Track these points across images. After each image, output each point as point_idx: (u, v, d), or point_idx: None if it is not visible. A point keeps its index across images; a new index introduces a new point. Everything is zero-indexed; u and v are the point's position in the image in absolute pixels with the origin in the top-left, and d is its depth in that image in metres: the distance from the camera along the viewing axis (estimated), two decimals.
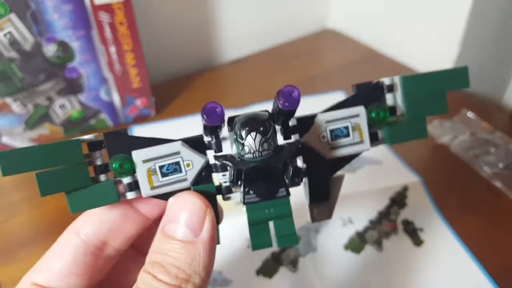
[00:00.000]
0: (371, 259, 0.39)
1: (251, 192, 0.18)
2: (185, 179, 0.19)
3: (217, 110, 0.18)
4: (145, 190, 0.18)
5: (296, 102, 0.19)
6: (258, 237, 0.19)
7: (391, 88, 0.21)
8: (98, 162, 0.18)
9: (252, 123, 0.18)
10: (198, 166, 0.19)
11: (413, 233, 0.41)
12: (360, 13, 0.75)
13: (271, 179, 0.18)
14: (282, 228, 0.19)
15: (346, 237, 0.40)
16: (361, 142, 0.20)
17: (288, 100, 0.19)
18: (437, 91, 0.20)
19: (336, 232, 0.41)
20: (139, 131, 0.56)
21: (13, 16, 0.45)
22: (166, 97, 0.62)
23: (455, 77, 0.21)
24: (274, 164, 0.18)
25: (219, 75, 0.69)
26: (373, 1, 0.72)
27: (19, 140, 0.53)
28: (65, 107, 0.53)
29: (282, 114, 0.19)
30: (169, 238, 0.18)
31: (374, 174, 0.47)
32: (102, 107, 0.55)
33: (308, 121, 0.20)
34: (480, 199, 0.45)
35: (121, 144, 0.18)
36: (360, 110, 0.20)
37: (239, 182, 0.18)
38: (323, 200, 0.21)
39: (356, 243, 0.40)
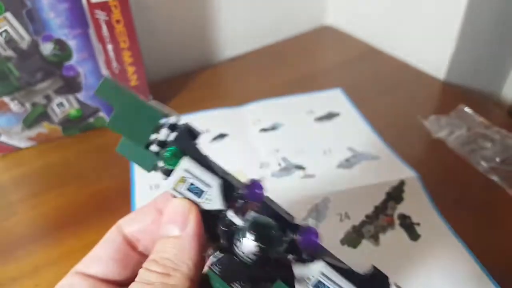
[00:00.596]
0: (368, 254, 0.39)
1: (218, 264, 0.20)
2: (198, 204, 0.21)
3: (259, 184, 0.20)
4: (168, 184, 0.21)
5: (313, 248, 0.20)
6: None
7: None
8: (162, 137, 0.21)
9: (261, 230, 0.19)
10: (214, 206, 0.21)
11: (410, 228, 0.41)
12: (357, 10, 0.75)
13: (237, 272, 0.19)
14: None
15: (343, 232, 0.41)
16: None
17: (307, 245, 0.20)
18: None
19: (333, 227, 0.41)
20: None
21: (8, 15, 0.45)
22: (164, 95, 0.62)
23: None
24: (247, 271, 0.19)
25: (217, 73, 0.69)
26: None
27: (17, 139, 0.53)
28: (63, 106, 0.53)
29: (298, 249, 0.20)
30: (161, 238, 0.21)
31: (371, 170, 0.47)
32: (100, 105, 0.55)
33: (310, 260, 0.20)
34: (477, 194, 0.45)
35: (187, 143, 0.21)
36: None
37: (216, 250, 0.20)
38: None
39: (353, 238, 0.40)
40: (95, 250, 0.24)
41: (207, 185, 0.20)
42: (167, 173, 0.21)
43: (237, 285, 0.19)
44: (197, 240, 0.20)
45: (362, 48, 0.73)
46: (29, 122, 0.52)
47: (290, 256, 0.20)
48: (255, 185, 0.20)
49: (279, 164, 0.49)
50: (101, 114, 0.56)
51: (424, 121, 0.54)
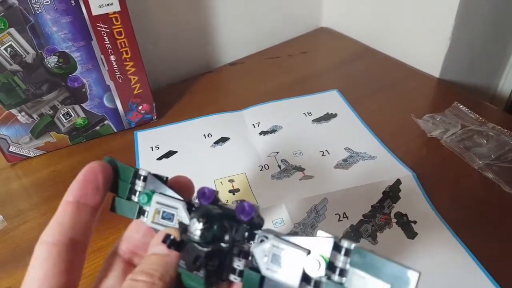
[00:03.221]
0: None
1: (181, 260, 0.23)
2: (173, 227, 0.25)
3: (206, 191, 0.24)
4: (148, 220, 0.25)
5: (249, 215, 0.22)
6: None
7: (347, 252, 0.20)
8: (138, 188, 0.25)
9: (201, 214, 0.22)
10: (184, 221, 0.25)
11: (407, 226, 0.42)
12: (353, 11, 0.76)
13: (197, 259, 0.22)
14: None
15: (341, 232, 0.42)
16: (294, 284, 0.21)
17: (247, 214, 0.22)
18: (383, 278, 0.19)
19: (332, 226, 0.42)
20: (142, 136, 0.58)
21: (12, 31, 0.47)
22: (166, 101, 0.64)
23: (402, 277, 0.19)
24: (204, 250, 0.22)
25: (217, 78, 0.71)
26: None
27: (26, 148, 0.55)
28: (69, 115, 0.55)
29: (243, 223, 0.23)
30: (150, 254, 0.23)
31: (367, 169, 0.48)
32: (105, 113, 0.57)
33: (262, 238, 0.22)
34: (472, 191, 0.46)
35: (157, 185, 0.25)
36: (302, 254, 0.21)
37: (172, 247, 0.23)
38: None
39: (351, 237, 0.41)
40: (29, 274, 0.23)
41: (174, 207, 0.24)
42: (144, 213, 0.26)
43: (201, 271, 0.22)
44: (178, 258, 0.23)
45: (357, 48, 0.74)
46: (37, 132, 0.54)
47: (246, 245, 0.23)
48: (203, 195, 0.24)
49: (279, 166, 0.50)
50: (107, 122, 0.57)
51: (419, 120, 0.55)
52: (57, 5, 0.47)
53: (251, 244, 0.23)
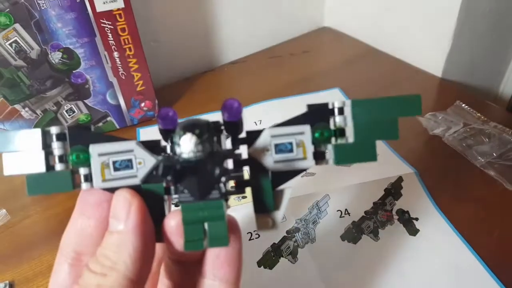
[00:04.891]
0: (368, 249, 0.40)
1: (185, 191, 0.19)
2: (135, 176, 0.20)
3: (170, 114, 0.19)
4: (97, 181, 0.20)
5: (236, 114, 0.20)
6: (191, 237, 0.19)
7: (341, 111, 0.21)
8: (58, 152, 0.20)
9: (190, 125, 0.19)
10: (149, 165, 0.20)
11: (409, 223, 0.43)
12: (355, 11, 0.77)
13: (204, 180, 0.19)
14: (213, 230, 0.19)
15: (343, 228, 0.42)
16: (304, 158, 0.21)
17: (229, 112, 0.20)
18: (387, 117, 0.21)
19: (334, 223, 0.42)
20: (145, 133, 0.58)
21: (17, 26, 0.47)
22: (168, 99, 0.64)
23: (407, 104, 0.21)
24: (207, 165, 0.19)
25: (219, 76, 0.71)
26: None
27: None
28: (72, 112, 0.55)
29: (230, 126, 0.21)
30: (107, 232, 0.20)
31: (369, 166, 0.48)
32: (108, 110, 0.57)
33: (256, 135, 0.21)
34: (474, 188, 0.46)
35: (83, 138, 0.20)
36: (306, 128, 0.21)
37: (169, 177, 0.19)
38: (265, 212, 0.21)
39: (353, 234, 0.42)
40: (52, 279, 0.22)
41: (129, 151, 0.20)
42: (90, 176, 0.20)
43: (214, 191, 0.19)
44: (138, 233, 0.19)
45: (359, 48, 0.75)
46: (40, 128, 0.54)
47: (237, 150, 0.21)
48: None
49: None
50: (109, 119, 0.58)
51: (421, 118, 0.55)
52: (61, 2, 0.47)
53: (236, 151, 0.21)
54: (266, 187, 0.21)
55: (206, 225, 0.19)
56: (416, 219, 0.43)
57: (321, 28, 0.83)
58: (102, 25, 0.50)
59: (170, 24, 0.67)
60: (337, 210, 0.44)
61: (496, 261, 0.39)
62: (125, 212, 0.19)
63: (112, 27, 0.51)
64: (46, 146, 0.20)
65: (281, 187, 0.21)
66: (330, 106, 0.21)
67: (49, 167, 0.20)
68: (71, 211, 0.21)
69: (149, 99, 0.59)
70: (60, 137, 0.20)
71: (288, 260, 0.40)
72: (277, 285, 0.38)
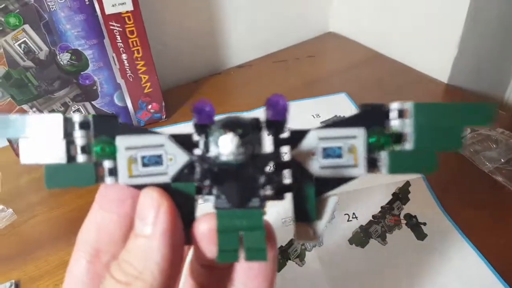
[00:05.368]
0: (376, 253, 0.40)
1: (222, 197, 0.18)
2: (165, 173, 0.18)
3: (206, 108, 0.18)
4: (123, 177, 0.18)
5: (282, 113, 0.18)
6: (225, 247, 0.17)
7: (400, 114, 0.19)
8: (81, 142, 0.18)
9: (231, 124, 0.17)
10: (181, 162, 0.18)
11: (416, 227, 0.42)
12: (361, 16, 0.77)
13: (244, 186, 0.17)
14: (251, 242, 0.17)
15: (350, 232, 0.42)
16: (355, 166, 0.19)
17: (274, 110, 0.18)
18: (452, 124, 0.19)
19: (341, 227, 0.42)
20: None
21: (27, 27, 0.47)
22: (176, 101, 0.64)
23: (478, 113, 0.19)
24: (249, 170, 0.17)
25: (226, 80, 0.71)
26: (374, 4, 0.73)
27: None
28: (80, 113, 0.55)
29: (272, 125, 0.19)
30: (132, 234, 0.18)
31: None
32: (115, 112, 0.57)
33: (301, 135, 0.19)
34: (482, 193, 0.46)
35: (109, 127, 0.18)
36: (359, 132, 0.19)
37: (206, 182, 0.17)
38: (306, 221, 0.19)
39: (361, 238, 0.41)
40: (68, 275, 0.21)
41: (159, 146, 0.18)
42: (116, 170, 0.18)
43: (254, 199, 0.17)
44: (167, 239, 0.17)
45: (365, 53, 0.75)
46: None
47: (281, 149, 0.19)
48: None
49: None
50: None
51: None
52: (71, 3, 0.48)
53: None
54: (309, 194, 0.19)
55: (242, 235, 0.18)
56: (424, 223, 0.43)
57: (327, 33, 0.83)
58: (111, 27, 0.51)
59: (178, 27, 0.68)
60: (345, 214, 0.43)
61: (505, 267, 0.38)
62: (154, 215, 0.17)
63: (120, 29, 0.51)
64: (68, 135, 0.18)
65: (325, 195, 0.19)
66: (387, 108, 0.19)
67: (70, 158, 0.18)
68: (78, 210, 0.20)
69: (156, 101, 0.59)
70: (84, 125, 0.18)
71: (296, 263, 0.40)
72: (284, 287, 0.38)
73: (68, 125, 0.18)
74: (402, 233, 0.42)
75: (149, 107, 0.59)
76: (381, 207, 0.44)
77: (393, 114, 0.19)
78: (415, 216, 0.43)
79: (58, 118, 0.18)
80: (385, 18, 0.72)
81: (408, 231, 0.42)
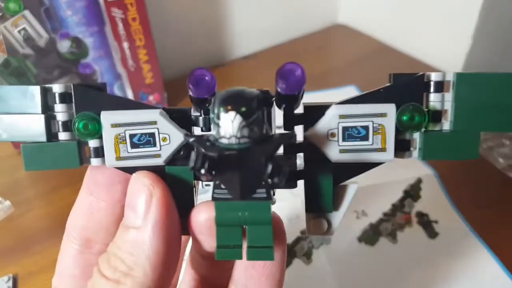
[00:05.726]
0: (386, 251, 0.39)
1: (222, 186, 0.15)
2: (158, 155, 0.16)
3: (206, 78, 0.15)
4: (109, 159, 0.16)
5: (298, 85, 0.15)
6: (224, 242, 0.15)
7: (440, 87, 0.16)
8: (62, 118, 0.16)
9: (234, 100, 0.14)
10: (176, 142, 0.16)
11: (428, 225, 0.41)
12: (370, 8, 0.75)
13: (249, 175, 0.14)
14: (255, 238, 0.15)
15: (360, 230, 0.41)
16: (383, 149, 0.16)
17: (287, 81, 0.15)
18: (502, 100, 0.15)
19: (350, 224, 0.41)
20: None
21: (27, 13, 0.46)
22: (178, 92, 0.62)
23: None
24: (255, 156, 0.14)
25: (230, 71, 0.70)
26: None
27: None
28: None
29: (283, 99, 0.16)
30: (121, 224, 0.17)
31: (387, 167, 0.47)
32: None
33: (318, 112, 0.16)
34: (495, 191, 0.45)
35: (94, 101, 0.16)
36: (389, 108, 0.16)
37: (202, 170, 0.14)
38: (321, 212, 0.17)
39: (370, 236, 0.40)
40: (59, 264, 0.20)
41: (149, 123, 0.15)
42: (102, 150, 0.16)
43: (259, 190, 0.15)
44: (160, 232, 0.16)
45: (375, 45, 0.73)
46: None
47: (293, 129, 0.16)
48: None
49: None
50: None
51: None
52: None
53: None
54: (325, 182, 0.16)
55: (246, 229, 0.15)
56: (436, 221, 0.41)
57: (336, 25, 0.81)
58: (113, 14, 0.49)
59: (182, 16, 0.66)
60: (354, 211, 0.42)
61: None
62: (145, 204, 0.16)
63: (123, 16, 0.49)
64: (48, 109, 0.16)
65: (344, 183, 0.17)
66: (425, 79, 0.16)
67: (51, 135, 0.16)
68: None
69: (158, 92, 0.57)
70: (65, 98, 0.16)
71: (302, 261, 0.38)
72: (290, 286, 0.37)
73: (48, 97, 0.16)
74: (413, 231, 0.41)
75: (151, 98, 0.57)
76: (392, 205, 0.43)
77: (431, 87, 0.16)
78: (426, 214, 0.42)
79: (35, 90, 0.16)
80: (395, 10, 0.70)
81: (419, 229, 0.41)
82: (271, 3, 0.73)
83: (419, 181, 0.44)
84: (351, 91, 0.60)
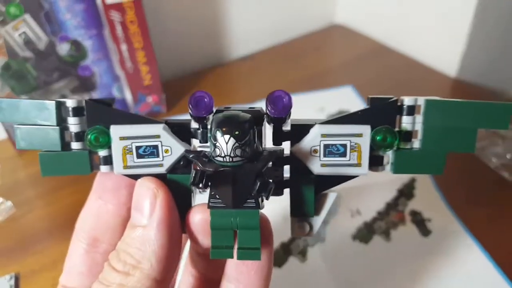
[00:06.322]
0: (379, 249, 0.40)
1: (217, 196, 0.17)
2: (160, 165, 0.18)
3: (205, 100, 0.17)
4: (117, 167, 0.18)
5: (285, 111, 0.17)
6: (218, 243, 0.17)
7: (411, 110, 0.18)
8: (75, 129, 0.18)
9: (228, 124, 0.16)
10: (176, 153, 0.18)
11: (421, 224, 0.42)
12: (367, 8, 0.76)
13: (240, 187, 0.17)
14: (245, 240, 0.17)
15: (354, 228, 0.41)
16: (358, 165, 0.18)
17: (275, 107, 0.17)
18: (465, 125, 0.17)
19: (345, 223, 0.42)
20: None
21: (27, 17, 0.46)
22: (176, 94, 0.63)
23: (494, 114, 0.18)
24: (246, 173, 0.17)
25: (228, 71, 0.70)
26: None
27: None
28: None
29: (273, 120, 0.18)
30: (129, 224, 0.19)
31: None
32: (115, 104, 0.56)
33: (303, 130, 0.18)
34: (488, 190, 0.45)
35: (103, 115, 0.18)
36: (365, 129, 0.18)
37: (200, 185, 0.17)
38: (304, 216, 0.19)
39: (364, 234, 0.41)
40: (67, 263, 0.21)
41: (153, 136, 0.18)
42: (110, 159, 0.18)
43: (248, 201, 0.17)
44: (164, 229, 0.18)
45: (372, 45, 0.73)
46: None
47: (283, 145, 0.18)
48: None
49: None
50: None
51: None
52: None
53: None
54: (308, 191, 0.19)
55: (237, 232, 0.17)
56: (429, 220, 0.42)
57: (333, 25, 0.82)
58: (111, 17, 0.50)
59: (180, 18, 0.66)
60: (348, 210, 0.43)
61: (510, 264, 0.38)
62: (150, 205, 0.18)
63: (121, 19, 0.50)
64: (62, 121, 0.18)
65: (325, 192, 0.19)
66: (398, 103, 0.18)
67: (65, 145, 0.18)
68: (76, 205, 0.20)
69: (156, 93, 0.58)
70: (78, 112, 0.18)
71: (298, 259, 0.39)
72: (285, 284, 0.37)
73: (62, 111, 0.18)
74: (407, 229, 0.41)
75: (149, 99, 0.58)
76: (386, 203, 0.43)
77: (404, 111, 0.18)
78: (420, 213, 0.43)
79: (51, 105, 0.18)
80: (392, 11, 0.70)
81: (412, 227, 0.41)
82: (269, 4, 0.73)
83: (413, 180, 0.45)
84: (348, 91, 0.61)
